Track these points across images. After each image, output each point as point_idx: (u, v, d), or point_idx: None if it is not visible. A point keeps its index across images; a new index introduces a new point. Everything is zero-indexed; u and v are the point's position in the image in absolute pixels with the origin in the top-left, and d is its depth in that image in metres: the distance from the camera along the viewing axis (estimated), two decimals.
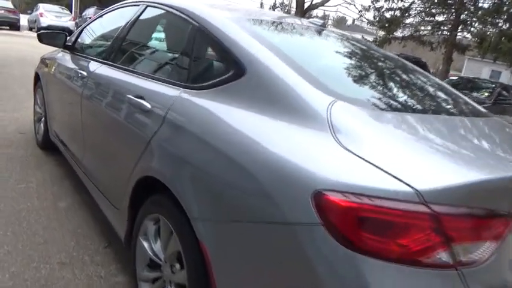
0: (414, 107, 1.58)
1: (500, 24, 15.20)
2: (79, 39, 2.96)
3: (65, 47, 3.00)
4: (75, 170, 2.74)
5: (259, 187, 1.16)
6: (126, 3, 2.54)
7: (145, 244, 1.72)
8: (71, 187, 2.93)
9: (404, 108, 1.53)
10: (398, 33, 18.86)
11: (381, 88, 1.66)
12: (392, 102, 1.53)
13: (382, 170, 1.03)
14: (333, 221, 1.01)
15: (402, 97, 1.65)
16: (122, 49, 2.31)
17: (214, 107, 1.45)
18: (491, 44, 13.94)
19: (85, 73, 2.40)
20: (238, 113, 1.38)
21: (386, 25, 17.86)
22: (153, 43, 2.21)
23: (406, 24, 18.45)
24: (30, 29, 20.01)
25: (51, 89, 3.18)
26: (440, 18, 18.42)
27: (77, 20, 21.15)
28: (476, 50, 16.60)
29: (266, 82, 1.38)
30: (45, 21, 18.51)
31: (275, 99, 1.33)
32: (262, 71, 1.40)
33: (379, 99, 1.51)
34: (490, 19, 14.82)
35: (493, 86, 10.67)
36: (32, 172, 3.09)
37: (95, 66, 2.37)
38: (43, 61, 3.53)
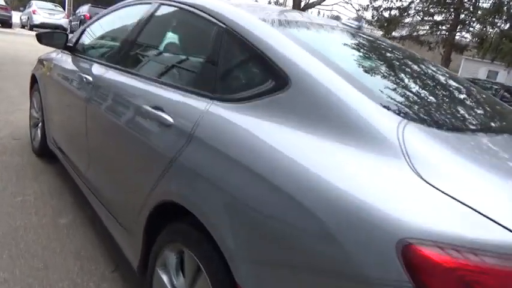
0: (492, 129, 1.37)
1: (499, 25, 15.14)
2: (81, 40, 2.71)
3: (66, 48, 2.76)
4: (76, 182, 2.51)
5: (322, 228, 0.94)
6: (134, 1, 2.31)
7: (164, 277, 1.50)
8: (72, 200, 2.70)
9: (484, 129, 1.32)
10: (396, 33, 18.76)
11: (450, 105, 1.44)
12: (468, 122, 1.32)
13: (483, 215, 0.82)
14: (426, 282, 0.79)
15: (476, 116, 1.44)
16: (133, 52, 2.07)
17: (253, 125, 1.23)
18: (492, 44, 13.84)
19: (90, 78, 2.16)
20: (283, 133, 1.16)
21: (385, 24, 17.73)
22: (169, 46, 1.97)
23: (405, 23, 18.34)
24: (23, 27, 19.65)
25: (51, 92, 2.93)
26: (438, 18, 18.37)
27: (70, 18, 20.78)
28: (476, 51, 16.53)
29: (316, 97, 1.16)
30: (38, 19, 18.21)
31: (329, 119, 1.11)
32: (311, 84, 1.18)
33: (452, 119, 1.29)
34: (490, 19, 14.73)
35: (496, 87, 10.56)
36: (29, 183, 2.85)
37: (102, 71, 2.13)
38: (41, 62, 3.28)
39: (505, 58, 14.28)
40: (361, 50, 1.72)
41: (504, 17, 14.36)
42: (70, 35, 2.91)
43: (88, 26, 2.74)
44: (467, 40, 18.15)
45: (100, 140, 2.07)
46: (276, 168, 1.09)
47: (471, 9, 16.41)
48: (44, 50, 3.33)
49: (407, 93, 1.39)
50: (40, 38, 2.71)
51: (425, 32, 18.74)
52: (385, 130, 1.03)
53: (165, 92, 1.60)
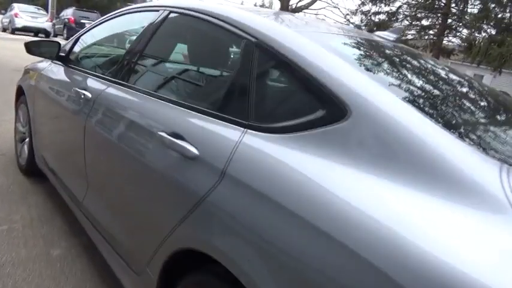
0: None
1: (487, 30, 15.29)
2: (76, 50, 2.45)
3: (58, 58, 2.49)
4: (70, 207, 2.25)
5: None
6: (138, 7, 2.06)
7: None
8: (65, 227, 2.43)
9: None
10: None
11: None
12: None
13: None
14: None
15: None
16: (141, 67, 1.82)
17: (302, 161, 1.01)
18: (481, 49, 13.92)
19: (89, 94, 1.90)
20: (341, 174, 0.94)
21: (374, 29, 17.73)
22: (184, 61, 1.72)
23: (394, 28, 18.43)
24: (4, 30, 19.13)
25: (40, 107, 2.66)
26: (426, 22, 18.52)
27: (54, 21, 20.32)
28: (464, 55, 16.67)
29: (385, 132, 0.94)
30: (20, 22, 17.80)
31: (403, 159, 0.90)
32: (377, 115, 0.96)
33: None
34: (478, 24, 14.85)
35: None
36: (16, 207, 2.57)
37: (103, 86, 1.87)
38: (28, 73, 3.00)
39: (492, 63, 14.37)
40: (417, 71, 1.49)
41: (492, 23, 14.47)
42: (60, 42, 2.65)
43: (83, 34, 2.48)
44: (454, 44, 18.33)
45: (101, 167, 1.81)
46: (334, 217, 0.87)
47: (459, 14, 16.56)
48: (29, 56, 3.06)
49: (493, 127, 1.18)
50: (29, 47, 2.44)
51: (413, 36, 18.84)
52: (481, 178, 0.82)
53: (184, 115, 1.35)
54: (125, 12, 2.18)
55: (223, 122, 1.23)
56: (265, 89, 1.25)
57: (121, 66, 1.88)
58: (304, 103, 1.12)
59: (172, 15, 1.75)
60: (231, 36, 1.40)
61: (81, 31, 2.53)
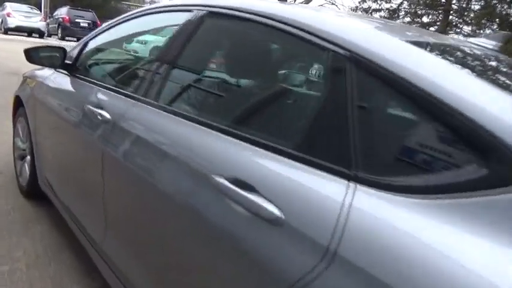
0: None
1: (490, 26, 15.06)
2: (85, 57, 2.09)
3: (63, 67, 2.13)
4: (81, 243, 1.90)
5: None
6: (164, 6, 1.71)
7: None
8: (75, 263, 2.08)
9: None
10: None
11: None
12: None
13: None
14: None
15: None
16: (176, 82, 1.46)
17: (458, 243, 0.67)
18: None
19: (107, 115, 1.53)
20: None
21: None
22: (239, 78, 1.35)
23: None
24: None
25: (42, 122, 2.30)
26: (426, 19, 18.31)
27: (48, 21, 19.86)
28: None
29: None
30: (13, 22, 17.43)
31: None
32: None
33: None
34: (482, 21, 14.62)
35: None
36: (17, 240, 2.22)
37: (126, 105, 1.50)
38: (27, 81, 2.64)
39: None
40: None
41: (497, 20, 14.22)
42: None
43: (92, 39, 2.11)
44: None
45: (126, 207, 1.45)
46: None
47: (461, 11, 16.35)
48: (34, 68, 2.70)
49: None
50: (30, 55, 2.07)
51: None
52: None
53: (253, 156, 0.99)
54: (145, 12, 1.82)
55: (313, 169, 0.88)
56: (377, 124, 0.88)
57: (148, 80, 1.51)
58: (450, 152, 0.77)
59: (212, 16, 1.40)
60: (306, 46, 1.06)
61: (90, 35, 2.17)
